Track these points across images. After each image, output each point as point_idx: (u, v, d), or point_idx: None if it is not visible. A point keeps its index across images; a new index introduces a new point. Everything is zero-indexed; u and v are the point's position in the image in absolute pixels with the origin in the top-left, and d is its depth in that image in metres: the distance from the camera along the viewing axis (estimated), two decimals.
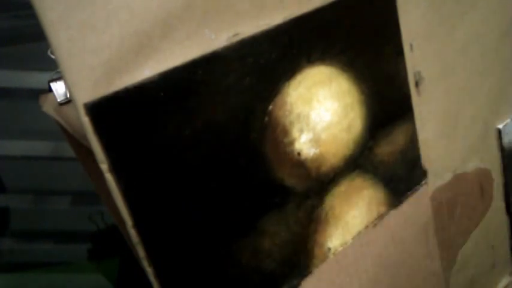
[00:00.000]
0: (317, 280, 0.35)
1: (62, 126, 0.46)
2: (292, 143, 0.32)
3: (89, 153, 0.25)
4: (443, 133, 0.43)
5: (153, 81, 0.25)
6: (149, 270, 0.27)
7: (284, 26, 0.30)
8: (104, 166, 0.24)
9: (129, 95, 0.24)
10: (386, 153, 0.38)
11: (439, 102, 0.42)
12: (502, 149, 0.49)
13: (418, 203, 0.42)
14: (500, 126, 0.49)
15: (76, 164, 0.52)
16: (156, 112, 0.26)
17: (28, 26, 0.86)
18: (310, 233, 0.34)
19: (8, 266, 0.83)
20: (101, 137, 0.24)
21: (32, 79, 0.90)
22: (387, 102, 0.37)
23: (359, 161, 0.36)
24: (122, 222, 0.26)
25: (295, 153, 0.32)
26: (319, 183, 0.34)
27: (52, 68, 0.42)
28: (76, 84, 0.23)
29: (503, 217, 0.53)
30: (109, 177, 0.25)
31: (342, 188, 0.35)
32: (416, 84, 0.39)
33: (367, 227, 0.38)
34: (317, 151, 0.33)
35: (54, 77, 0.47)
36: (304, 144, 0.32)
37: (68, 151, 0.52)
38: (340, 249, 0.36)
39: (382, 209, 0.39)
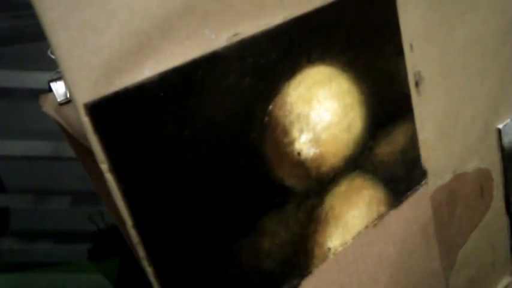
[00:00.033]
0: (317, 280, 0.35)
1: (62, 126, 0.46)
2: (292, 143, 0.32)
3: (89, 153, 0.25)
4: (443, 133, 0.43)
5: (153, 81, 0.25)
6: (149, 270, 0.27)
7: (284, 26, 0.30)
8: (104, 166, 0.24)
9: (129, 95, 0.24)
10: (386, 153, 0.38)
11: (439, 102, 0.42)
12: (502, 149, 0.49)
13: (418, 203, 0.42)
14: (500, 126, 0.49)
15: (76, 164, 0.52)
16: (156, 112, 0.26)
17: (28, 26, 0.86)
18: (310, 233, 0.34)
19: (8, 266, 0.83)
20: (101, 137, 0.24)
21: (32, 79, 0.90)
22: (387, 102, 0.37)
23: (359, 161, 0.36)
24: (122, 222, 0.26)
25: (295, 153, 0.32)
26: (319, 183, 0.34)
27: (52, 68, 0.42)
28: (76, 84, 0.23)
29: (503, 217, 0.53)
30: (109, 177, 0.25)
31: (342, 188, 0.35)
32: (416, 84, 0.39)
33: (367, 227, 0.38)
34: (317, 151, 0.33)
35: (54, 77, 0.47)
36: (304, 144, 0.32)
37: (68, 151, 0.51)
38: (340, 249, 0.36)
39: (382, 209, 0.39)
